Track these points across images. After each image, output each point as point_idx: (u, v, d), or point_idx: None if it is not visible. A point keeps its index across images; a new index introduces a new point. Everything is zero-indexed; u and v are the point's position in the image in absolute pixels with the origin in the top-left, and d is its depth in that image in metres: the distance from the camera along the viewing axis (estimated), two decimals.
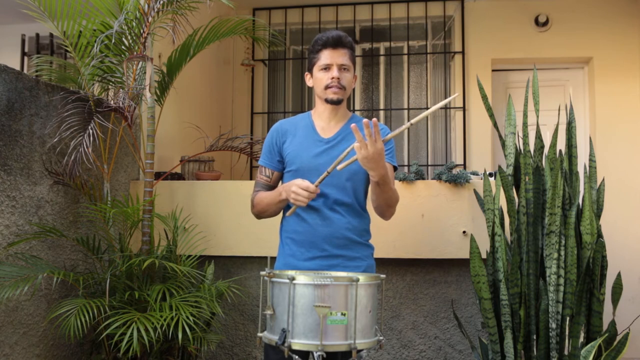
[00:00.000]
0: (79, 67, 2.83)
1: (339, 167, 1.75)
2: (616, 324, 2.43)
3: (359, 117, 2.14)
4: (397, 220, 2.91)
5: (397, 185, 2.94)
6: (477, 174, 3.04)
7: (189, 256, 2.78)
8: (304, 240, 1.98)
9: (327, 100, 2.01)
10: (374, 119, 1.67)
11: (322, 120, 2.07)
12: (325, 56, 1.99)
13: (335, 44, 1.98)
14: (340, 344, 1.46)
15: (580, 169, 2.63)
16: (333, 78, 1.97)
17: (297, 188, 1.82)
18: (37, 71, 3.13)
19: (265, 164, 2.11)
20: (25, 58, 4.67)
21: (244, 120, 4.96)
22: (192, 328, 2.42)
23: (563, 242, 2.36)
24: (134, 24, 2.68)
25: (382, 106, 4.94)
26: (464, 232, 2.90)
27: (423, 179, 2.99)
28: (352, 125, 1.66)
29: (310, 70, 2.06)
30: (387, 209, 2.00)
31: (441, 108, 4.78)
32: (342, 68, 1.99)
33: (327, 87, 1.99)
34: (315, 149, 2.01)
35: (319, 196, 1.95)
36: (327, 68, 1.99)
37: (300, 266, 1.97)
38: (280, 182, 2.13)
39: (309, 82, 2.09)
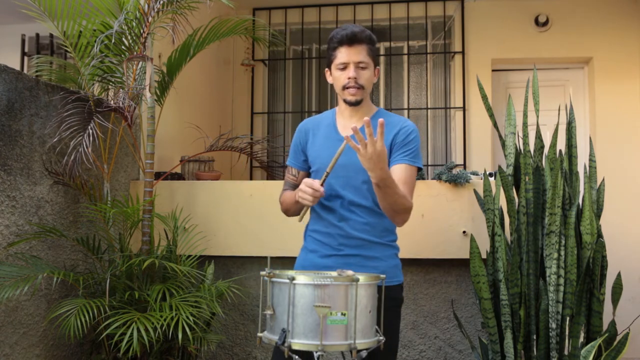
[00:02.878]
0: (79, 67, 2.83)
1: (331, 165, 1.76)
2: (616, 324, 2.43)
3: (386, 111, 2.09)
4: None
5: None
6: (477, 174, 3.04)
7: (189, 256, 2.78)
8: (321, 240, 1.98)
9: (345, 101, 1.97)
10: (381, 119, 1.62)
11: (344, 118, 2.03)
12: (342, 54, 1.93)
13: (351, 41, 1.91)
14: (340, 344, 1.46)
15: (580, 169, 2.62)
16: (350, 78, 1.92)
17: (303, 186, 1.80)
18: (37, 71, 3.13)
19: (291, 164, 2.10)
20: (25, 58, 4.67)
21: (244, 120, 4.96)
22: (192, 328, 2.42)
23: (563, 242, 2.36)
24: (134, 24, 2.68)
25: (382, 106, 4.93)
26: (464, 232, 2.90)
27: (423, 179, 2.99)
28: (353, 126, 1.60)
29: (329, 67, 2.01)
30: (394, 215, 1.91)
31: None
32: (359, 66, 1.93)
33: (344, 88, 1.94)
34: (335, 147, 1.93)
35: (335, 198, 1.94)
36: (344, 67, 1.93)
37: (317, 262, 1.96)
38: None
39: (328, 79, 2.04)
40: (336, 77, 1.97)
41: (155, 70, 2.93)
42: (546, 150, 2.54)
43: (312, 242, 2.02)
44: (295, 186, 2.08)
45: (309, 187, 1.78)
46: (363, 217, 1.95)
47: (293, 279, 1.48)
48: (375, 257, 1.96)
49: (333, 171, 1.84)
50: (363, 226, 1.94)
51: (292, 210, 2.04)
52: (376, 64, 2.01)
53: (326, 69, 2.05)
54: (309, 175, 2.09)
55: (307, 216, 2.09)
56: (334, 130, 2.02)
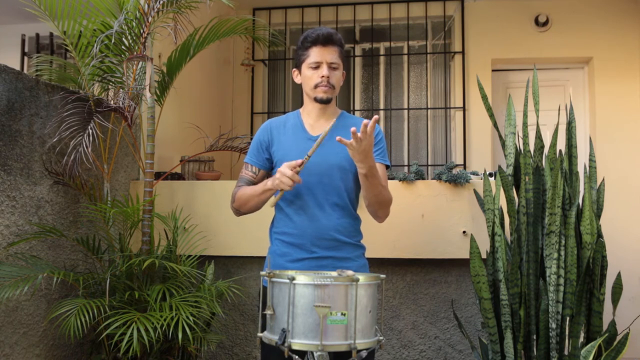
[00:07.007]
0: (79, 67, 2.83)
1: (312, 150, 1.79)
2: (616, 324, 2.43)
3: (348, 114, 2.13)
4: (397, 220, 2.92)
5: (397, 185, 2.95)
6: (477, 174, 3.04)
7: (189, 256, 2.78)
8: (292, 242, 1.96)
9: (316, 99, 1.99)
10: (376, 117, 1.70)
11: (311, 118, 2.04)
12: (315, 54, 1.95)
13: (326, 41, 1.95)
14: (340, 344, 1.46)
15: (580, 169, 2.62)
16: (323, 77, 1.94)
17: (283, 168, 1.80)
18: (37, 71, 3.13)
19: (252, 162, 2.09)
20: (25, 58, 4.67)
21: (244, 120, 4.96)
22: (192, 328, 2.42)
23: (563, 242, 2.36)
24: (134, 24, 2.68)
25: (382, 106, 4.94)
26: (464, 232, 2.90)
27: (423, 179, 2.98)
28: (352, 129, 1.68)
29: (299, 67, 2.03)
30: (379, 208, 1.96)
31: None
32: (331, 66, 1.96)
33: (316, 86, 1.96)
34: (305, 147, 1.96)
35: (308, 197, 1.94)
36: (316, 66, 1.96)
37: (289, 267, 1.94)
38: None
39: (296, 78, 2.06)
40: (307, 76, 1.99)
41: (155, 70, 2.93)
42: (546, 150, 2.54)
43: (281, 245, 1.99)
44: (252, 183, 2.07)
45: (289, 169, 1.78)
46: (337, 216, 1.96)
47: (293, 279, 1.48)
48: (346, 257, 1.96)
49: (306, 169, 1.85)
50: (337, 226, 1.95)
51: (253, 203, 1.99)
52: (344, 67, 2.04)
53: (294, 70, 2.06)
54: (269, 174, 2.09)
55: (269, 215, 2.08)
56: (303, 131, 2.04)
